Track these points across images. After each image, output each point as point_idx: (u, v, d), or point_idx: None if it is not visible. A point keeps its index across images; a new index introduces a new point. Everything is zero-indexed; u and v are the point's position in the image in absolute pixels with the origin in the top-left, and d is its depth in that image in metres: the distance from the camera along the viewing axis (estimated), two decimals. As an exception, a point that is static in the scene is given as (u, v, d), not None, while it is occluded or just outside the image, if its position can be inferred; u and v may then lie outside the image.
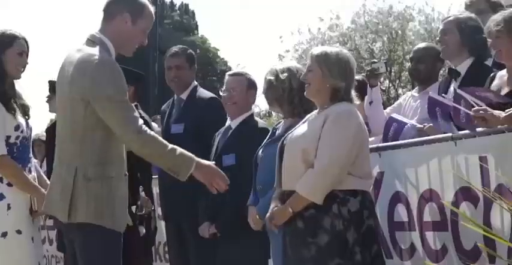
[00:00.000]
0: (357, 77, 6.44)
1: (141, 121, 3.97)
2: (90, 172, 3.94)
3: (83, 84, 3.92)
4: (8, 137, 4.68)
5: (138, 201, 5.41)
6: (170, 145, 3.99)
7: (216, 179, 4.02)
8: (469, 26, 5.08)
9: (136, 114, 3.99)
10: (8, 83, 4.81)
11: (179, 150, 4.00)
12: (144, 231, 5.47)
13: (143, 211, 5.23)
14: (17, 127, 4.71)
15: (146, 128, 3.96)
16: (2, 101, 4.69)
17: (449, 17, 5.27)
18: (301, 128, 4.31)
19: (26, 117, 4.85)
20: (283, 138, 4.41)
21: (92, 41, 4.09)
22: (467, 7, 5.86)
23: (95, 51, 4.00)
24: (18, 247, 4.63)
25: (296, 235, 4.20)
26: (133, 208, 5.10)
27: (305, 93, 4.38)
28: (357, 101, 4.35)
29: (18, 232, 4.64)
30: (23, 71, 4.87)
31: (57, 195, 4.01)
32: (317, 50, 4.38)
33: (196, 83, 6.26)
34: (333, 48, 4.34)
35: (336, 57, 4.26)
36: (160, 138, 4.02)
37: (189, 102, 6.11)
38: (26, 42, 4.90)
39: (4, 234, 4.63)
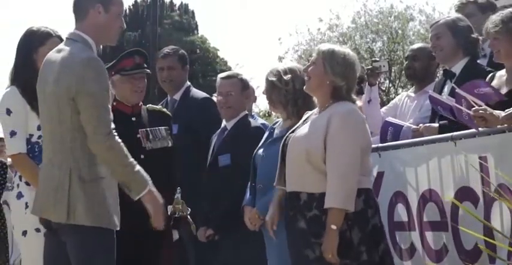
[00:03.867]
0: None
1: (113, 125, 3.93)
2: (84, 173, 3.93)
3: (69, 82, 3.90)
4: (31, 136, 4.65)
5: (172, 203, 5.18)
6: (132, 160, 3.95)
7: (159, 215, 4.01)
8: (461, 26, 5.05)
9: (111, 117, 3.95)
10: None
11: (139, 167, 3.97)
12: (178, 236, 5.28)
13: (176, 214, 5.02)
14: (40, 126, 4.64)
15: (115, 134, 3.92)
16: (29, 99, 4.61)
17: (438, 21, 5.21)
18: (303, 128, 4.26)
19: None
20: (284, 138, 4.38)
21: (72, 40, 4.07)
22: (457, 12, 5.84)
23: (78, 49, 3.99)
24: (38, 245, 4.52)
25: (299, 235, 4.16)
26: (169, 208, 4.91)
27: (305, 87, 4.34)
28: (358, 102, 4.30)
29: (37, 230, 4.58)
30: None
31: (50, 196, 3.99)
32: (326, 46, 4.35)
33: (189, 83, 6.21)
34: (341, 48, 4.30)
35: (343, 57, 4.23)
36: (126, 150, 3.95)
37: (182, 103, 6.07)
38: (61, 40, 4.70)
39: (24, 233, 4.63)
